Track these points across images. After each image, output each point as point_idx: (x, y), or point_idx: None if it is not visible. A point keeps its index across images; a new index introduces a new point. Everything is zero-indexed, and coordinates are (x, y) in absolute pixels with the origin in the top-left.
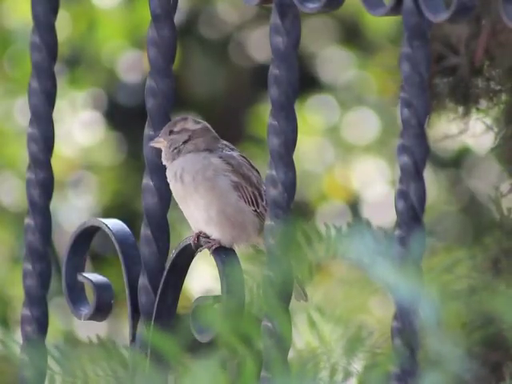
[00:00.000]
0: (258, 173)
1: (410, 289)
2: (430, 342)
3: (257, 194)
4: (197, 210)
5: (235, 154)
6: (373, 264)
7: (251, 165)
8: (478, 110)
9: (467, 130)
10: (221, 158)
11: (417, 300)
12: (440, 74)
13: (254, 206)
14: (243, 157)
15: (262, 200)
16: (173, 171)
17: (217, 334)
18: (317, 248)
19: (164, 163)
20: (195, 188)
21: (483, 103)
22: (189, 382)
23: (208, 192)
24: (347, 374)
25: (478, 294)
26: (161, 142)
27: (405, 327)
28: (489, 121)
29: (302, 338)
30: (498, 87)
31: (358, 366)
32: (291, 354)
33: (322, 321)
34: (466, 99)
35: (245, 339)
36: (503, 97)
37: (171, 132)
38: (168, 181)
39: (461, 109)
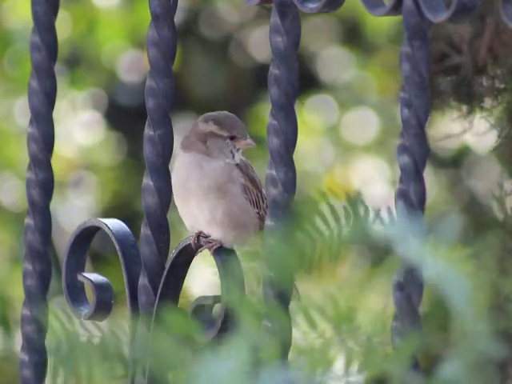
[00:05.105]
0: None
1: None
2: (459, 322)
3: (259, 196)
4: (198, 210)
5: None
6: (407, 243)
7: (252, 168)
8: (481, 108)
9: (471, 129)
10: (236, 164)
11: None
12: (443, 73)
13: (257, 207)
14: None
15: (263, 203)
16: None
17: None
18: (343, 227)
19: (223, 159)
20: (205, 193)
21: (487, 102)
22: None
23: (217, 199)
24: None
25: (482, 292)
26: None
27: (404, 327)
28: (493, 120)
29: (315, 328)
30: (502, 86)
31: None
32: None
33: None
34: (469, 98)
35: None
36: (507, 96)
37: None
38: (178, 167)
39: (464, 107)
